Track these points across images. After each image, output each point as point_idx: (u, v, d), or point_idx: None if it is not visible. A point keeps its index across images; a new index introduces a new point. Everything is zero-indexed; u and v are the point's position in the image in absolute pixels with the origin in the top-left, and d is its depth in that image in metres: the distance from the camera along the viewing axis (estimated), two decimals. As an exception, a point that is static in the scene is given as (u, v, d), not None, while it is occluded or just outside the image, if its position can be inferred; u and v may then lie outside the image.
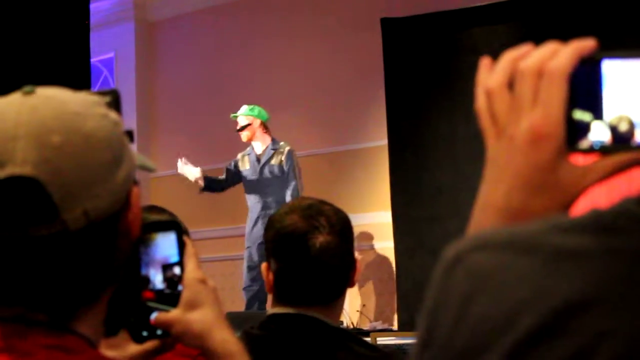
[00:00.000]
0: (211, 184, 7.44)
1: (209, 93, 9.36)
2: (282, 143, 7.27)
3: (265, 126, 7.33)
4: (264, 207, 7.15)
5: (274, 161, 7.21)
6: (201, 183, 7.36)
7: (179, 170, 7.41)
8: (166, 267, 1.30)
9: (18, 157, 1.04)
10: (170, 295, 1.29)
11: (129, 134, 1.19)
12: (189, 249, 1.31)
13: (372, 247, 8.12)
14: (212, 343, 1.27)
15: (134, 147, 1.20)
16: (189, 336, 1.27)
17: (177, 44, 9.73)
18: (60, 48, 6.91)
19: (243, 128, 7.30)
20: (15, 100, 1.10)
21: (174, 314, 1.27)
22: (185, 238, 1.31)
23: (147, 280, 1.29)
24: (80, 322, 1.12)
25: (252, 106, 7.34)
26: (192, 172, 7.38)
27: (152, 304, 1.29)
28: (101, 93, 1.21)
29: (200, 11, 9.57)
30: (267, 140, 7.31)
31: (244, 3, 9.25)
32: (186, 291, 1.28)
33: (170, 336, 1.29)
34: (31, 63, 6.51)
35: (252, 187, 7.29)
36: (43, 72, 6.45)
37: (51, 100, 1.10)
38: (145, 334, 1.30)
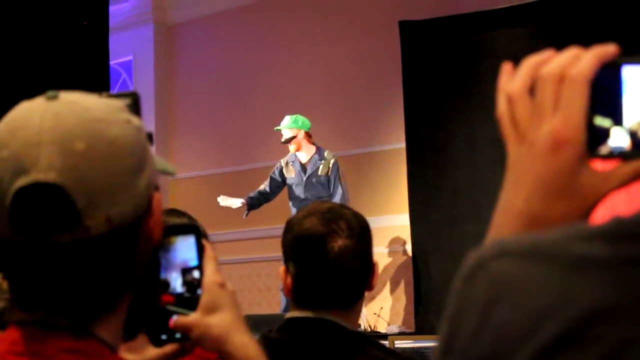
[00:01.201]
0: (254, 203, 7.48)
1: (228, 96, 9.38)
2: (326, 153, 7.26)
3: (309, 135, 7.33)
4: None
5: (320, 171, 7.20)
6: (245, 209, 7.44)
7: (222, 204, 7.45)
8: (185, 271, 1.30)
9: (42, 164, 1.05)
10: (190, 299, 1.29)
11: (149, 137, 1.20)
12: (208, 252, 1.31)
13: (390, 250, 8.11)
14: (231, 347, 1.27)
15: (152, 150, 1.21)
16: (207, 340, 1.27)
17: (196, 47, 9.75)
18: (80, 51, 6.93)
19: (289, 141, 7.27)
20: (38, 105, 1.10)
21: (192, 317, 1.27)
22: (204, 241, 1.31)
23: (166, 284, 1.30)
24: (101, 327, 1.13)
25: (294, 117, 7.30)
26: (234, 202, 7.43)
27: (171, 308, 1.29)
28: (121, 95, 1.21)
29: (218, 14, 9.59)
30: (312, 149, 7.30)
31: (262, 6, 9.26)
32: (205, 295, 1.28)
33: (189, 340, 1.29)
34: (50, 66, 6.54)
35: (298, 195, 7.29)
36: (62, 74, 6.48)
37: (74, 106, 1.10)
38: (164, 337, 1.30)
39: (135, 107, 1.21)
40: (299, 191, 7.26)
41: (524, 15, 7.09)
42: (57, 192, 1.04)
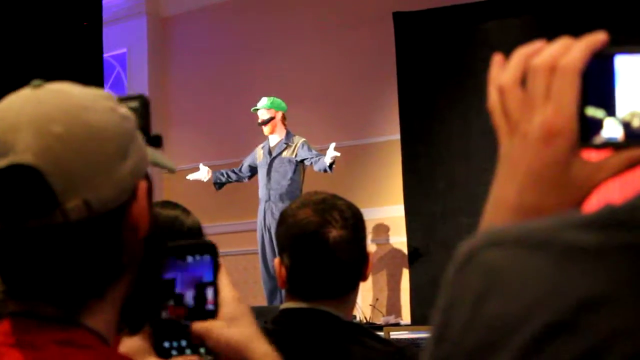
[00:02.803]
0: (222, 178, 7.55)
1: (222, 88, 9.38)
2: (295, 137, 7.29)
3: (284, 117, 7.37)
4: (268, 199, 7.22)
5: (285, 154, 7.24)
6: (208, 178, 7.52)
7: (191, 179, 7.57)
8: (199, 287, 1.31)
9: (19, 147, 1.05)
10: (201, 313, 1.30)
11: (157, 139, 1.20)
12: (223, 270, 1.32)
13: (385, 242, 8.12)
14: (253, 356, 1.27)
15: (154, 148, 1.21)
16: (230, 348, 1.27)
17: (190, 39, 9.74)
18: (73, 43, 6.92)
19: (266, 122, 7.30)
20: (23, 93, 1.12)
21: (215, 324, 1.28)
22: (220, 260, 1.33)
23: (180, 298, 1.30)
24: (91, 317, 1.13)
25: (271, 98, 7.34)
26: (201, 174, 7.55)
27: (182, 321, 1.30)
28: (129, 98, 1.22)
29: (212, 6, 9.58)
30: (283, 133, 7.34)
31: (256, -2, 9.25)
32: (225, 307, 1.28)
33: (198, 353, 1.29)
34: (44, 59, 6.52)
35: (262, 178, 7.37)
36: (55, 67, 6.46)
37: (57, 92, 1.11)
38: (174, 353, 1.31)
39: (143, 109, 1.21)
40: (263, 173, 7.34)
41: (518, 5, 7.09)
42: (33, 174, 1.04)
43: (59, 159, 1.05)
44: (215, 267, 1.31)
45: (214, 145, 9.21)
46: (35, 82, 1.12)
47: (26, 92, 1.12)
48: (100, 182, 1.08)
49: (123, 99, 1.20)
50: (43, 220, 1.06)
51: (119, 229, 1.13)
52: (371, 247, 6.98)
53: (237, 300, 1.30)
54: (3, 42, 6.36)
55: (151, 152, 1.21)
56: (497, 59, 0.82)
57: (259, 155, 7.44)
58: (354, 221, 2.05)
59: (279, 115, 7.32)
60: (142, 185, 1.16)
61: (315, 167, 7.15)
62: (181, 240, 1.31)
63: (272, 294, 7.18)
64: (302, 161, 7.25)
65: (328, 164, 7.00)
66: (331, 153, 6.96)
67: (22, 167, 1.04)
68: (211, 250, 1.32)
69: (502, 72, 0.81)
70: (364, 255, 2.09)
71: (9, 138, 1.06)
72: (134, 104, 1.20)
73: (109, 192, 1.09)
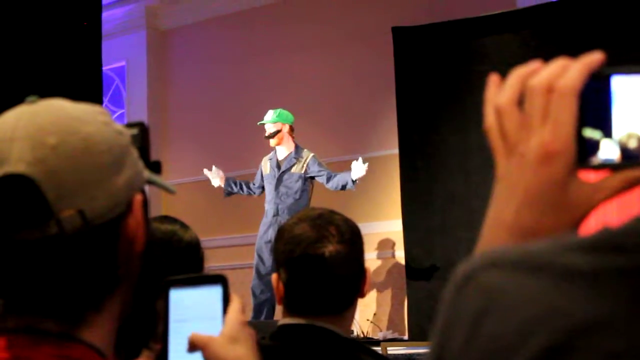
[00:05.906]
0: (234, 187, 7.49)
1: (221, 101, 9.39)
2: (304, 151, 7.24)
3: (292, 129, 7.31)
4: (276, 214, 7.13)
5: (294, 169, 7.17)
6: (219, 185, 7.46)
7: (206, 174, 7.53)
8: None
9: (13, 157, 1.06)
10: None
11: (156, 165, 1.21)
12: (235, 299, 1.32)
13: (382, 256, 8.11)
14: None
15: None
16: None
17: (189, 53, 9.76)
18: (72, 57, 6.93)
19: (273, 135, 7.23)
20: (18, 109, 1.13)
21: (215, 339, 1.28)
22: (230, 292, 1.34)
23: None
24: (88, 331, 1.13)
25: (277, 111, 7.26)
26: (214, 180, 7.50)
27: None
28: (128, 125, 1.23)
29: (211, 20, 9.60)
30: (291, 146, 7.26)
31: (256, 13, 9.27)
32: (227, 326, 1.29)
33: None
34: (43, 72, 6.53)
35: (269, 192, 7.25)
36: (55, 80, 6.47)
37: (51, 106, 1.13)
38: None
39: (142, 136, 1.22)
40: (270, 188, 7.22)
41: (516, 21, 7.10)
42: (26, 183, 1.05)
43: (52, 170, 1.06)
44: (226, 298, 1.32)
45: (213, 158, 9.20)
46: (30, 98, 1.14)
47: (21, 107, 1.13)
48: (95, 193, 1.09)
49: (123, 126, 1.21)
50: (38, 232, 1.06)
51: (115, 241, 1.13)
52: (370, 262, 6.97)
53: (242, 324, 1.30)
54: (1, 55, 6.37)
55: (149, 175, 1.22)
56: (493, 79, 0.82)
57: (265, 167, 7.34)
58: (351, 236, 2.05)
59: (286, 127, 7.22)
60: (138, 198, 1.16)
61: (330, 184, 7.02)
62: (192, 273, 1.32)
63: (258, 309, 7.12)
64: (313, 177, 7.19)
65: (353, 179, 6.87)
66: (359, 169, 6.85)
67: (14, 176, 1.05)
68: (222, 281, 1.33)
69: (499, 93, 0.81)
70: (361, 270, 2.09)
71: (3, 150, 1.07)
72: (134, 130, 1.21)
73: (104, 204, 1.10)
